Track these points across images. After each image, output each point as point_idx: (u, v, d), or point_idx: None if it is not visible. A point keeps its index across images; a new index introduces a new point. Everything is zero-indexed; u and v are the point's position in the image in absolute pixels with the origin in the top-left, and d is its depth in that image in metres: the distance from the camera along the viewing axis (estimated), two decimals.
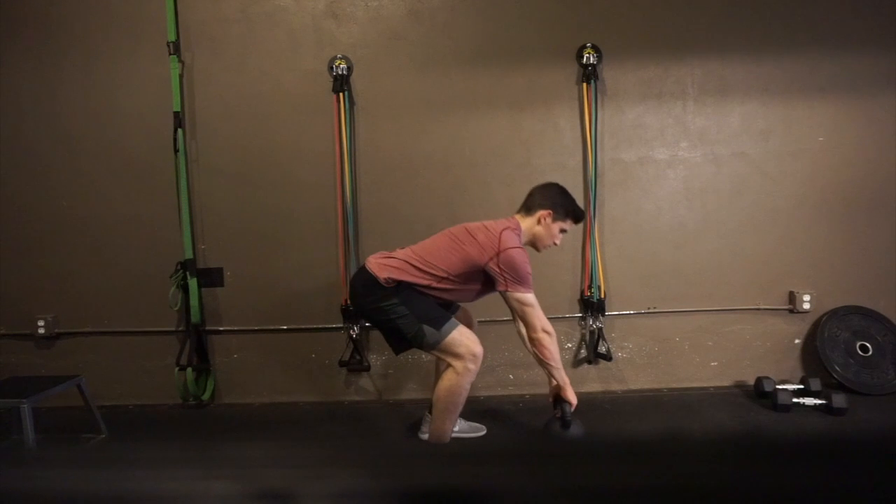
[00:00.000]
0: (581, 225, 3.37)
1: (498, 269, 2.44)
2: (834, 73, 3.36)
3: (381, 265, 2.51)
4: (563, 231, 2.62)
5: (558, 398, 2.60)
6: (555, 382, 2.59)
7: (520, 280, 2.45)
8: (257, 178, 3.38)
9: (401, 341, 2.53)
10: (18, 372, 3.32)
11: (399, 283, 2.46)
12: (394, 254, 2.57)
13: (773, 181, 3.42)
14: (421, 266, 2.49)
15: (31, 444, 2.47)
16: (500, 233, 2.47)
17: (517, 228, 2.54)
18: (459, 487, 0.62)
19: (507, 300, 2.50)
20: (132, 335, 3.46)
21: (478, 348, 2.46)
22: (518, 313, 2.52)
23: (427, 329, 2.43)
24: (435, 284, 2.49)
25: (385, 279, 2.45)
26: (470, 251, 2.47)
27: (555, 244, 2.63)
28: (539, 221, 2.57)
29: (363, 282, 2.51)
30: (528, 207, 2.61)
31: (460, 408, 2.55)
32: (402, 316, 2.44)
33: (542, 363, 2.56)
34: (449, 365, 2.47)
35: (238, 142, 3.37)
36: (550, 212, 2.56)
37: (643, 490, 0.59)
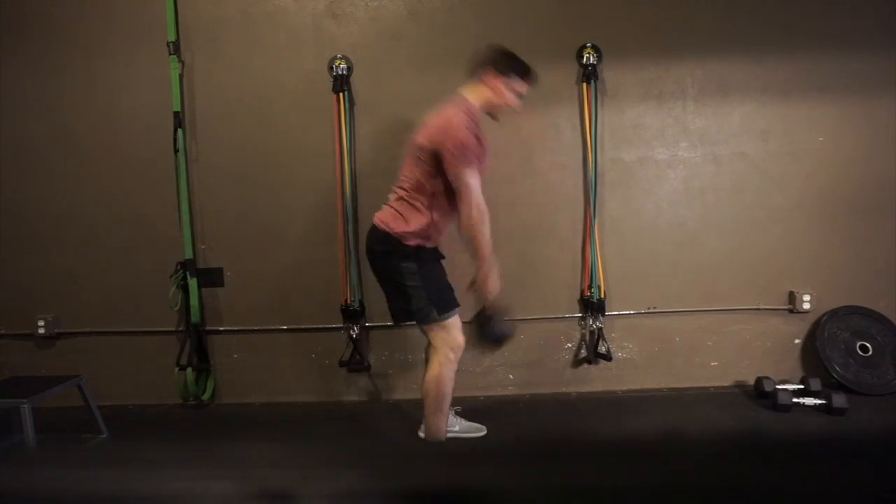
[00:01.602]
0: (580, 223, 3.39)
1: (444, 147, 2.36)
2: (834, 73, 3.36)
3: (390, 217, 2.49)
4: (516, 93, 2.52)
5: (479, 288, 2.49)
6: (479, 268, 2.47)
7: (462, 157, 2.35)
8: (257, 178, 3.38)
9: (403, 311, 2.53)
10: (18, 372, 3.32)
11: (418, 247, 2.45)
12: (390, 203, 2.55)
13: (772, 181, 3.42)
14: (400, 192, 2.48)
15: (31, 444, 2.47)
16: (443, 112, 2.43)
17: (465, 106, 2.45)
18: (459, 487, 0.62)
19: (449, 177, 2.40)
20: (132, 335, 3.46)
21: (461, 339, 2.51)
22: (456, 190, 2.42)
23: (434, 310, 2.45)
24: (430, 214, 2.45)
25: (400, 233, 2.44)
26: (418, 139, 2.46)
27: (511, 105, 2.54)
28: (485, 85, 2.50)
29: (377, 239, 2.52)
30: (473, 73, 2.54)
31: (449, 399, 2.55)
32: (415, 287, 2.45)
33: (472, 243, 2.46)
34: (432, 354, 2.52)
35: (238, 141, 3.37)
36: (493, 70, 2.48)
37: (643, 490, 0.59)
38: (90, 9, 3.32)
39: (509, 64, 2.50)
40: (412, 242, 2.46)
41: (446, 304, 2.50)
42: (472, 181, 2.39)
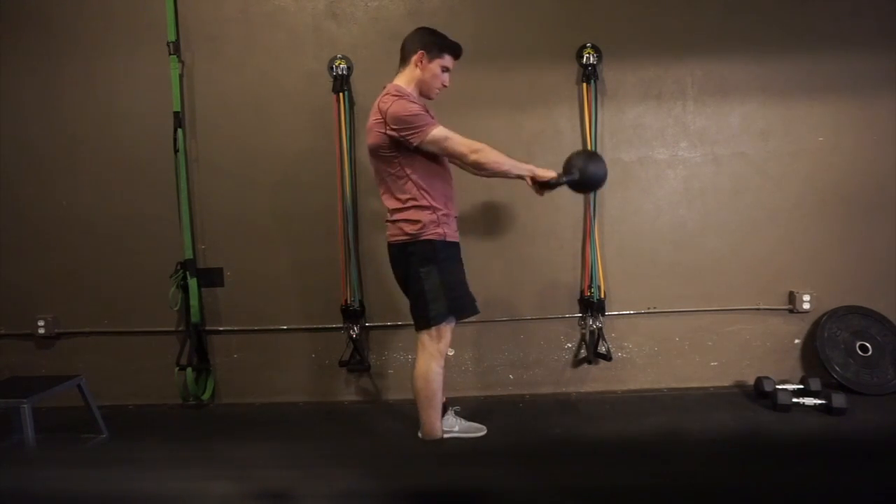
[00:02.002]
0: (580, 223, 3.39)
1: (396, 131, 2.35)
2: (834, 73, 3.36)
3: (399, 229, 2.48)
4: (445, 70, 2.53)
5: (541, 183, 2.49)
6: (526, 178, 2.49)
7: (416, 124, 2.34)
8: (257, 178, 3.38)
9: (422, 318, 2.50)
10: (18, 372, 3.32)
11: (436, 242, 2.43)
12: (391, 220, 2.54)
13: (772, 181, 3.42)
14: (401, 201, 2.46)
15: (31, 444, 2.47)
16: (377, 104, 2.43)
17: (395, 89, 2.44)
18: (459, 487, 0.62)
19: (424, 150, 2.39)
20: (132, 335, 3.47)
21: (448, 336, 2.54)
22: (442, 153, 2.42)
23: (447, 315, 2.46)
24: (426, 193, 2.44)
25: (416, 231, 2.44)
26: (374, 139, 2.44)
27: (444, 86, 2.55)
28: (416, 66, 2.50)
29: (396, 251, 2.54)
30: (402, 59, 2.55)
31: (440, 394, 2.54)
32: (434, 293, 2.44)
33: (497, 174, 2.48)
34: (419, 349, 2.52)
35: (238, 142, 3.37)
36: (422, 51, 2.48)
37: (643, 490, 0.59)
38: (90, 9, 3.32)
39: (436, 42, 2.51)
40: (430, 234, 2.43)
41: (464, 307, 2.51)
42: (442, 131, 2.38)
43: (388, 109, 2.37)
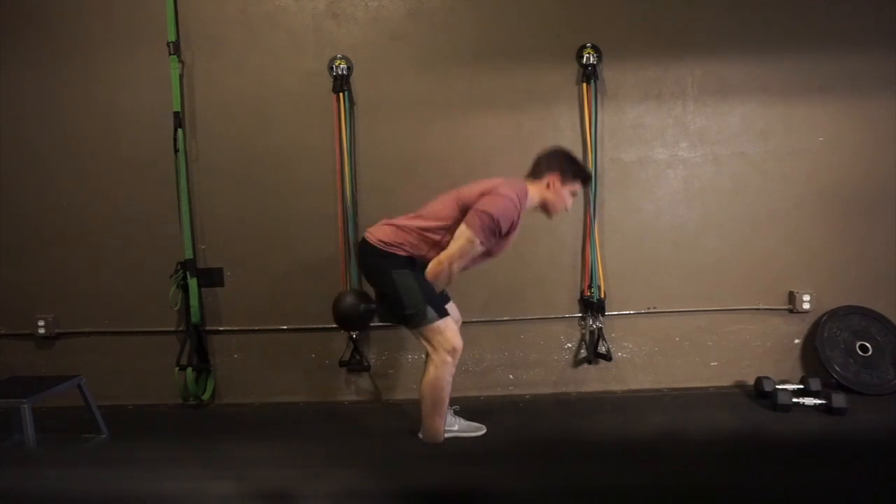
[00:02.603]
0: (580, 223, 3.39)
1: (476, 205, 2.41)
2: (834, 73, 3.36)
3: (387, 236, 2.54)
4: (573, 194, 2.62)
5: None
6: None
7: (483, 224, 2.39)
8: (257, 178, 3.38)
9: (396, 316, 2.55)
10: (18, 372, 3.32)
11: (408, 256, 2.49)
12: (395, 224, 2.58)
13: (772, 181, 3.42)
14: (416, 222, 2.52)
15: (31, 444, 2.47)
16: (500, 182, 2.48)
17: (522, 188, 2.51)
18: (459, 487, 0.62)
19: (461, 225, 2.45)
20: (132, 335, 3.46)
21: (458, 341, 2.52)
22: (454, 237, 2.46)
23: (427, 312, 2.47)
24: (432, 239, 2.49)
25: (386, 242, 2.49)
26: (464, 192, 2.50)
27: (566, 209, 2.63)
28: (548, 186, 2.55)
29: (368, 251, 2.57)
30: (535, 173, 2.60)
31: (446, 402, 2.55)
32: (408, 291, 2.46)
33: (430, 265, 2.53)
34: (429, 358, 2.53)
35: (238, 142, 3.37)
36: (558, 175, 2.55)
37: (643, 490, 0.59)
38: (90, 9, 3.32)
39: (574, 171, 2.58)
40: (404, 254, 2.50)
41: (437, 306, 2.52)
42: (472, 245, 2.43)
43: (492, 191, 2.43)
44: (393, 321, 2.63)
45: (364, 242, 2.60)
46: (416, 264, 2.51)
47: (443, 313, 2.52)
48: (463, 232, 2.42)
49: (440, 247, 2.50)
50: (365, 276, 2.67)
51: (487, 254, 2.57)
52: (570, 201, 2.62)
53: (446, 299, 2.78)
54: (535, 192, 2.57)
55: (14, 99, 3.36)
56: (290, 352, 3.47)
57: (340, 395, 3.49)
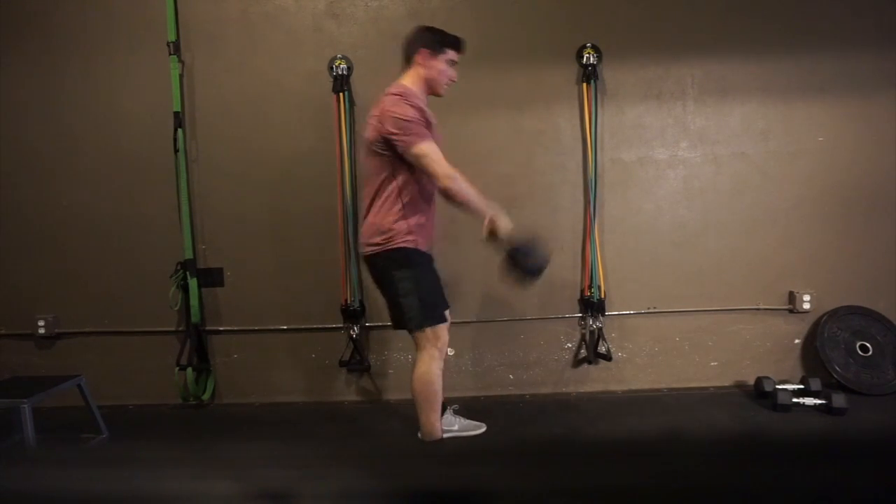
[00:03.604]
0: (580, 223, 3.39)
1: (388, 133, 2.35)
2: (834, 73, 3.36)
3: (370, 232, 2.50)
4: (452, 63, 2.54)
5: (491, 232, 2.42)
6: (485, 221, 2.41)
7: (406, 131, 2.33)
8: (257, 178, 3.38)
9: (398, 320, 2.53)
10: (18, 372, 3.32)
11: (408, 250, 2.44)
12: (366, 218, 2.54)
13: (772, 181, 3.42)
14: (381, 200, 2.46)
15: (31, 444, 2.47)
16: (381, 101, 2.42)
17: (398, 88, 2.44)
18: (459, 487, 0.62)
19: (406, 157, 2.37)
20: (132, 335, 3.46)
21: (445, 336, 2.53)
22: (419, 168, 2.39)
23: (425, 318, 2.45)
24: (405, 209, 2.43)
25: (384, 241, 2.45)
26: (368, 135, 2.45)
27: (452, 81, 2.56)
28: (420, 65, 2.50)
29: (370, 261, 2.54)
30: (405, 60, 2.54)
31: (439, 396, 2.54)
32: (408, 295, 2.44)
33: (462, 205, 2.43)
34: (417, 354, 2.51)
35: (238, 142, 3.37)
36: (426, 50, 2.49)
37: (643, 490, 0.59)
38: (90, 9, 3.32)
39: (438, 38, 2.51)
40: (400, 243, 2.44)
41: (436, 313, 2.50)
42: (427, 148, 2.35)
43: (387, 108, 2.37)
44: (401, 328, 2.58)
45: (365, 258, 2.58)
46: (415, 261, 2.47)
47: (441, 318, 2.50)
48: (408, 149, 2.34)
49: (408, 206, 2.43)
50: (375, 282, 2.65)
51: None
52: (451, 72, 2.54)
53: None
54: (414, 78, 2.50)
55: (14, 99, 3.36)
56: (290, 352, 3.47)
57: (340, 395, 3.49)
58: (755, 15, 3.32)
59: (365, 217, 2.55)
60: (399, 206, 2.44)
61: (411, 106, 2.36)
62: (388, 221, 2.44)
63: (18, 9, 3.32)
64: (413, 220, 2.46)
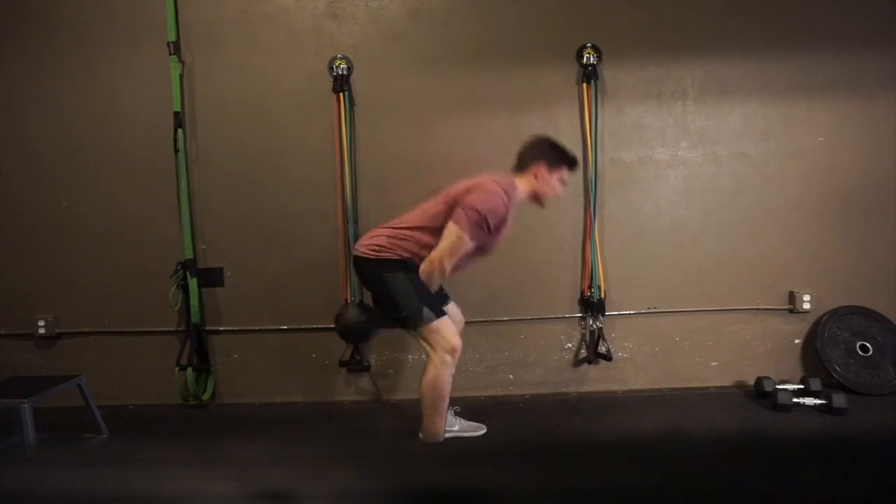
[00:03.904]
0: (581, 223, 3.39)
1: (462, 200, 2.40)
2: (834, 73, 3.36)
3: (369, 238, 2.56)
4: (561, 181, 2.60)
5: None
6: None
7: (467, 216, 2.38)
8: (257, 178, 3.38)
9: (395, 319, 2.54)
10: (18, 372, 3.32)
11: (400, 259, 2.48)
12: (385, 236, 2.57)
13: (772, 181, 3.42)
14: (402, 226, 2.52)
15: (31, 444, 2.47)
16: (487, 178, 2.46)
17: (509, 184, 2.49)
18: (459, 487, 0.62)
19: (448, 222, 2.43)
20: (132, 335, 3.46)
21: (456, 341, 2.51)
22: (443, 236, 2.44)
23: (423, 313, 2.46)
24: (422, 240, 2.48)
25: (378, 247, 2.49)
26: (451, 190, 2.49)
27: (557, 196, 2.62)
28: (536, 176, 2.55)
29: (361, 267, 2.58)
30: (521, 165, 2.59)
31: (446, 402, 2.55)
32: (404, 294, 2.46)
33: (422, 276, 2.51)
34: (428, 358, 2.52)
35: (238, 142, 3.37)
36: (544, 163, 2.54)
37: (643, 490, 0.59)
38: (90, 9, 3.31)
39: (559, 157, 2.58)
40: (396, 257, 2.49)
41: (434, 308, 2.52)
42: (461, 242, 2.40)
43: (482, 187, 2.41)
44: (390, 325, 2.61)
45: (355, 258, 2.61)
46: (409, 267, 2.50)
47: (440, 313, 2.52)
48: (451, 229, 2.41)
49: (430, 248, 2.48)
50: (361, 283, 2.68)
51: (480, 251, 2.55)
52: (560, 188, 2.60)
53: (445, 299, 2.77)
54: (524, 184, 2.56)
55: (14, 99, 3.36)
56: (290, 352, 3.47)
57: (340, 395, 3.49)
58: (755, 15, 3.32)
59: (380, 225, 2.57)
60: (423, 249, 2.49)
61: (495, 209, 2.40)
62: (398, 246, 2.49)
63: (19, 9, 3.32)
64: (420, 256, 2.50)
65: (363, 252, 2.54)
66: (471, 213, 2.38)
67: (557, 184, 2.58)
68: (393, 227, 2.56)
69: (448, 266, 2.46)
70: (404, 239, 2.50)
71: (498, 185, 2.44)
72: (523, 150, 2.61)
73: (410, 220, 2.55)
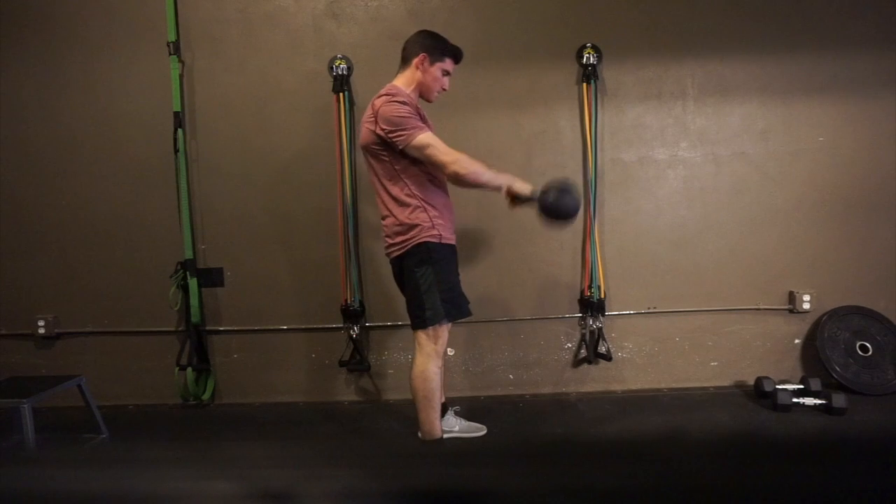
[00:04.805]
0: (580, 223, 3.39)
1: (384, 132, 2.36)
2: (834, 73, 3.36)
3: (392, 235, 2.50)
4: (446, 73, 2.54)
5: (516, 197, 2.42)
6: (503, 190, 2.44)
7: (403, 126, 2.33)
8: (257, 178, 3.38)
9: (418, 318, 2.49)
10: (18, 372, 3.32)
11: (425, 244, 2.42)
12: (384, 227, 2.54)
13: (773, 181, 3.42)
14: (390, 204, 2.46)
15: (31, 444, 2.47)
16: (371, 102, 2.43)
17: (389, 89, 2.44)
18: (459, 487, 0.62)
19: (409, 153, 2.38)
20: (132, 335, 3.47)
21: (445, 336, 2.52)
22: (423, 160, 2.40)
23: (443, 315, 2.43)
24: (420, 198, 2.43)
25: (408, 238, 2.44)
26: (365, 137, 2.45)
27: (444, 89, 2.56)
28: (416, 68, 2.50)
29: (395, 261, 2.55)
30: (403, 60, 2.55)
31: (438, 394, 2.53)
32: (428, 292, 2.43)
33: (476, 186, 2.44)
34: (416, 351, 2.50)
35: (238, 142, 3.37)
36: (424, 54, 2.49)
37: (643, 490, 0.59)
38: (90, 9, 3.32)
39: (438, 46, 2.52)
40: (424, 237, 2.42)
41: (459, 308, 2.49)
42: (427, 138, 2.35)
43: (379, 109, 2.37)
44: (420, 327, 2.56)
45: (389, 258, 2.57)
46: (435, 255, 2.44)
47: (462, 312, 2.50)
48: (409, 144, 2.34)
49: (419, 198, 2.42)
50: (395, 279, 2.66)
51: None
52: (445, 81, 2.55)
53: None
54: (408, 79, 2.51)
55: (14, 99, 3.36)
56: (290, 352, 3.47)
57: (340, 395, 3.49)
58: (755, 15, 3.32)
59: (383, 220, 2.55)
60: (413, 201, 2.43)
61: (402, 103, 2.37)
62: (407, 218, 2.43)
63: (18, 8, 3.32)
64: (432, 212, 2.45)
65: (393, 251, 2.50)
66: (395, 125, 2.32)
67: (441, 76, 2.53)
68: (390, 215, 2.49)
69: (450, 151, 2.36)
70: (406, 208, 2.42)
71: (385, 93, 2.40)
72: (406, 45, 2.55)
73: (385, 196, 2.47)
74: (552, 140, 3.39)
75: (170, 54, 3.28)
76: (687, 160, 3.41)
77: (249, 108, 3.35)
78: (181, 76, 3.32)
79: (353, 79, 3.33)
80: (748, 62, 3.35)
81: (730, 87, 3.37)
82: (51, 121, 3.37)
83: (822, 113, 3.38)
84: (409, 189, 2.43)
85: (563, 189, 2.37)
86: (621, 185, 3.42)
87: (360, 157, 3.34)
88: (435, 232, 2.44)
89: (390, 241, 2.52)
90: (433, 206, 2.46)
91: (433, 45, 2.51)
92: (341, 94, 3.28)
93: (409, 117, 2.35)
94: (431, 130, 2.44)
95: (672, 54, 3.35)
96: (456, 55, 2.57)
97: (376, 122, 2.37)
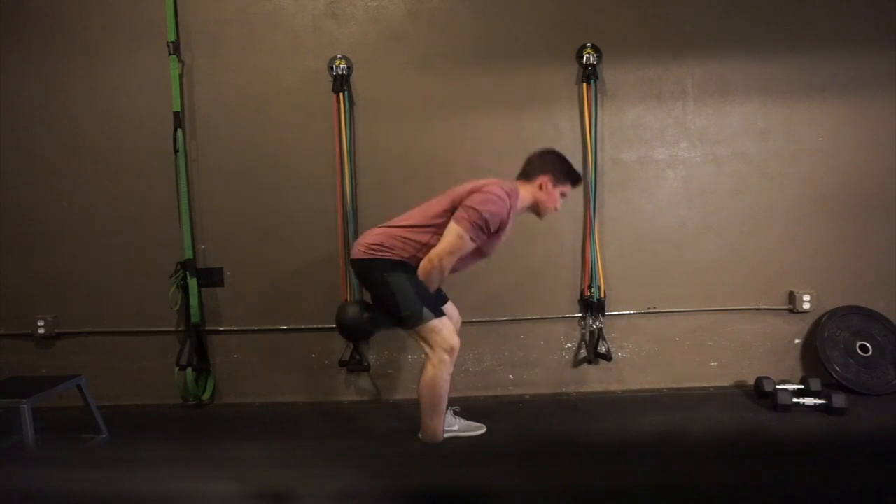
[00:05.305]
0: (581, 223, 3.39)
1: (465, 203, 2.42)
2: (834, 73, 3.36)
3: (367, 237, 2.56)
4: (563, 195, 2.65)
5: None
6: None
7: (469, 217, 2.40)
8: (257, 178, 3.38)
9: (389, 315, 2.54)
10: (18, 372, 3.32)
11: (399, 260, 2.48)
12: (380, 226, 2.59)
13: (772, 181, 3.42)
14: (401, 224, 2.53)
15: (31, 444, 2.47)
16: (492, 181, 2.49)
17: (512, 188, 2.53)
18: (459, 487, 0.62)
19: (451, 221, 2.45)
20: (132, 335, 3.46)
21: (455, 340, 2.52)
22: (444, 234, 2.45)
23: (423, 311, 2.45)
24: (421, 240, 2.48)
25: (375, 245, 2.49)
26: (455, 191, 2.51)
27: (556, 209, 2.65)
28: (540, 187, 2.59)
29: (361, 270, 2.58)
30: (526, 174, 2.63)
31: (445, 401, 2.55)
32: (404, 293, 2.46)
33: (422, 276, 2.52)
34: (426, 357, 2.51)
35: (238, 142, 3.37)
36: (550, 177, 2.58)
37: (643, 490, 0.59)
38: (90, 9, 3.32)
39: (565, 172, 2.62)
40: (394, 257, 2.49)
41: (435, 307, 2.52)
42: (461, 241, 2.42)
43: (486, 190, 2.43)
44: (390, 326, 2.61)
45: (353, 261, 2.62)
46: (408, 267, 2.50)
47: (439, 313, 2.52)
48: (451, 228, 2.43)
49: (429, 248, 2.48)
50: (361, 284, 2.69)
51: (479, 254, 2.57)
52: (559, 202, 2.65)
53: (444, 300, 2.77)
54: (527, 193, 2.59)
55: (14, 99, 3.36)
56: (290, 352, 3.47)
57: (340, 395, 3.49)
58: (755, 15, 3.32)
59: (379, 226, 2.58)
60: (421, 250, 2.49)
61: (497, 211, 2.42)
62: (396, 246, 2.48)
63: (18, 9, 3.32)
64: (418, 258, 2.50)
65: (362, 253, 2.53)
66: (473, 213, 2.40)
67: (559, 198, 2.63)
68: (391, 227, 2.56)
69: (447, 265, 2.47)
70: (404, 238, 2.50)
71: (502, 188, 2.47)
72: (531, 160, 2.65)
73: (410, 219, 2.55)
74: (552, 140, 3.38)
75: (170, 54, 3.28)
76: (687, 160, 3.41)
77: (249, 108, 3.35)
78: (181, 76, 3.32)
79: (352, 79, 3.33)
80: (748, 62, 3.35)
81: (730, 87, 3.37)
82: (51, 121, 3.37)
83: (822, 113, 3.38)
84: (429, 240, 2.49)
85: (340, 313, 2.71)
86: (621, 185, 3.42)
87: (360, 157, 3.37)
88: (406, 256, 2.50)
89: (364, 244, 2.54)
90: (418, 256, 2.50)
91: (559, 170, 2.60)
92: (341, 94, 3.28)
93: (482, 221, 2.41)
94: (499, 241, 2.55)
95: (672, 54, 3.35)
96: (576, 181, 2.68)
97: (475, 194, 2.43)
